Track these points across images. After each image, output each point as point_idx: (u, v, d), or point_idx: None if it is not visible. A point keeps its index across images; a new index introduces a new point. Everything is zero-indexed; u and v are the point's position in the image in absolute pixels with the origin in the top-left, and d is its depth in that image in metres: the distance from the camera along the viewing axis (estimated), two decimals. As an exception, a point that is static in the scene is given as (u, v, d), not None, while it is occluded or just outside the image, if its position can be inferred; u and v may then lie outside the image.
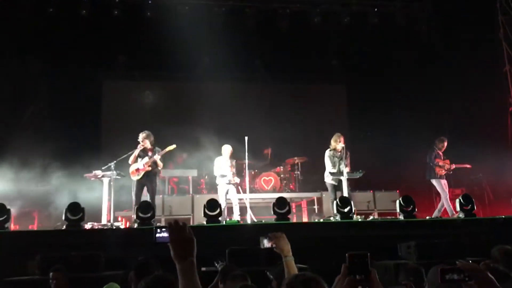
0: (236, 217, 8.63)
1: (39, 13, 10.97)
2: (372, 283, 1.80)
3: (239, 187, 9.37)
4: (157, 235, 2.06)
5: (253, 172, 10.73)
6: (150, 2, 11.46)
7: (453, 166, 9.25)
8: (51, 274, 4.76)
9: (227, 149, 9.27)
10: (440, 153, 9.25)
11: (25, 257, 6.02)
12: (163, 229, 2.06)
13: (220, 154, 9.33)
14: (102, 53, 11.44)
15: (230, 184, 9.04)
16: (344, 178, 8.55)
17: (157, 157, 8.39)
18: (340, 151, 8.77)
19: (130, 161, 8.36)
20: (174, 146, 8.58)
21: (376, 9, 12.04)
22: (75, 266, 5.56)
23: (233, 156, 9.40)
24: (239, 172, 9.80)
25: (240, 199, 9.28)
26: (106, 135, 12.09)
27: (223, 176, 9.08)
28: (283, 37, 12.03)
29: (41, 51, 10.91)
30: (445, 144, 9.26)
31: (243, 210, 9.19)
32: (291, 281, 2.10)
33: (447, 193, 8.92)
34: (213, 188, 10.83)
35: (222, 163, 9.19)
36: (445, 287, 2.12)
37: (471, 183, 10.93)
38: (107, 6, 11.33)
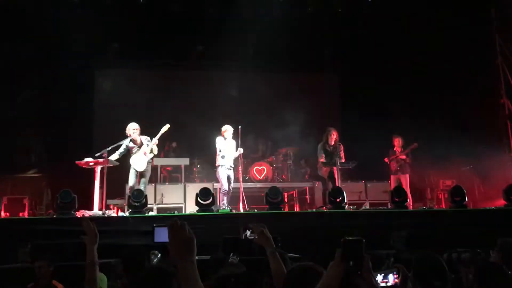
0: (223, 205, 8.38)
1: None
2: (364, 270, 1.79)
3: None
4: (156, 235, 2.04)
5: (245, 162, 10.73)
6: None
7: (403, 156, 9.59)
8: (35, 263, 4.79)
9: (229, 130, 8.77)
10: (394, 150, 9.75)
11: (16, 245, 6.01)
12: (162, 229, 2.04)
13: (219, 134, 8.83)
14: (94, 41, 11.26)
15: (232, 169, 8.75)
16: (336, 169, 8.62)
17: (155, 141, 8.33)
18: (333, 144, 8.87)
19: (118, 154, 8.24)
20: (167, 126, 8.39)
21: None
22: (67, 253, 5.55)
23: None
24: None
25: (233, 188, 9.26)
26: (98, 123, 11.99)
27: (224, 157, 8.62)
28: (276, 26, 11.91)
29: (33, 37, 10.73)
30: (396, 141, 9.79)
31: (236, 198, 9.17)
32: (289, 272, 2.11)
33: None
34: (205, 177, 10.82)
35: (225, 144, 8.74)
36: None
37: (461, 174, 10.98)
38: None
